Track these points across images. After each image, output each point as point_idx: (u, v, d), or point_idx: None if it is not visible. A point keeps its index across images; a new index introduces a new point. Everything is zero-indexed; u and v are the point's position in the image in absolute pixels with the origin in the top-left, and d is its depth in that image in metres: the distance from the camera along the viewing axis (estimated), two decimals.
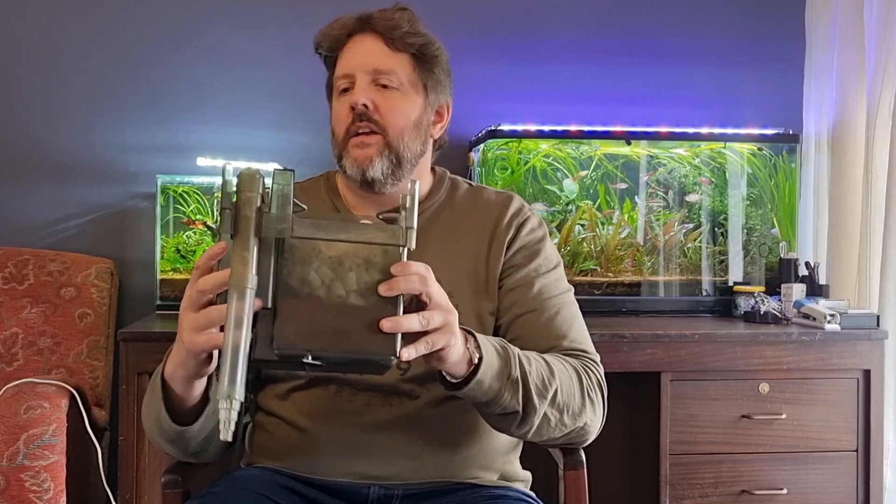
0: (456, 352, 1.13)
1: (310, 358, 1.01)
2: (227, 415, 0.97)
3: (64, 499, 1.94)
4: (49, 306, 2.41)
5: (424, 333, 1.06)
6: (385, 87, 1.38)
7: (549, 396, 1.26)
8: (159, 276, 2.41)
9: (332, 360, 1.03)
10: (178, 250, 2.44)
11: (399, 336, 1.03)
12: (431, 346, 1.07)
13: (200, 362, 1.10)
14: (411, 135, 1.40)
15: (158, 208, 2.44)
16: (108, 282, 2.47)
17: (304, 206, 1.05)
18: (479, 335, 1.20)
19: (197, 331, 1.04)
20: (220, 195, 1.02)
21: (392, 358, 1.03)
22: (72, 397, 2.03)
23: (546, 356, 1.31)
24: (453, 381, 1.19)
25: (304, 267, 1.02)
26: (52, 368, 2.35)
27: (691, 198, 2.57)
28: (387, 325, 1.03)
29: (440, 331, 1.08)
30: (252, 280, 0.98)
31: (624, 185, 2.56)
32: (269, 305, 1.01)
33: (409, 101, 1.40)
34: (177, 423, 1.22)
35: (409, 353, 1.05)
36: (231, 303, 0.98)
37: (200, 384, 1.17)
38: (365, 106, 1.36)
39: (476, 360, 1.17)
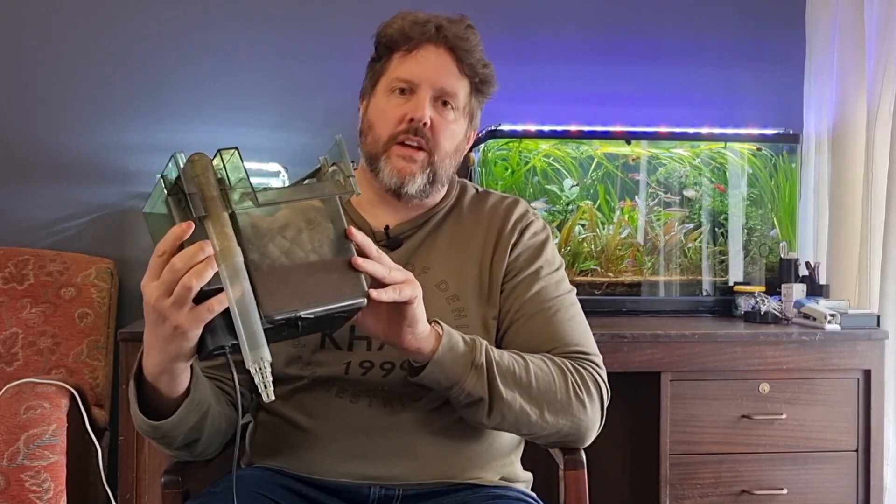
0: (422, 317, 1.19)
1: (301, 314, 1.05)
2: (261, 378, 1.03)
3: (64, 499, 1.94)
4: (49, 306, 2.41)
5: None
6: (443, 107, 1.38)
7: (522, 389, 1.28)
8: None
9: (316, 314, 1.07)
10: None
11: (362, 276, 1.10)
12: (399, 292, 1.14)
13: (190, 338, 1.08)
14: (451, 158, 1.41)
15: None
16: (108, 282, 2.47)
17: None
18: (445, 325, 1.25)
19: (182, 305, 1.03)
20: (167, 181, 1.04)
21: (363, 299, 1.10)
22: (72, 397, 2.03)
23: (526, 355, 1.32)
24: (417, 365, 1.24)
25: (260, 241, 1.06)
26: (52, 368, 2.35)
27: (689, 193, 2.57)
28: (358, 260, 1.11)
29: (405, 283, 1.15)
30: (239, 251, 1.02)
31: (640, 176, 2.56)
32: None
33: (459, 126, 1.41)
34: (156, 418, 1.20)
35: (378, 294, 1.12)
36: (226, 277, 1.01)
37: (185, 376, 1.16)
38: (423, 123, 1.35)
39: (440, 337, 1.23)
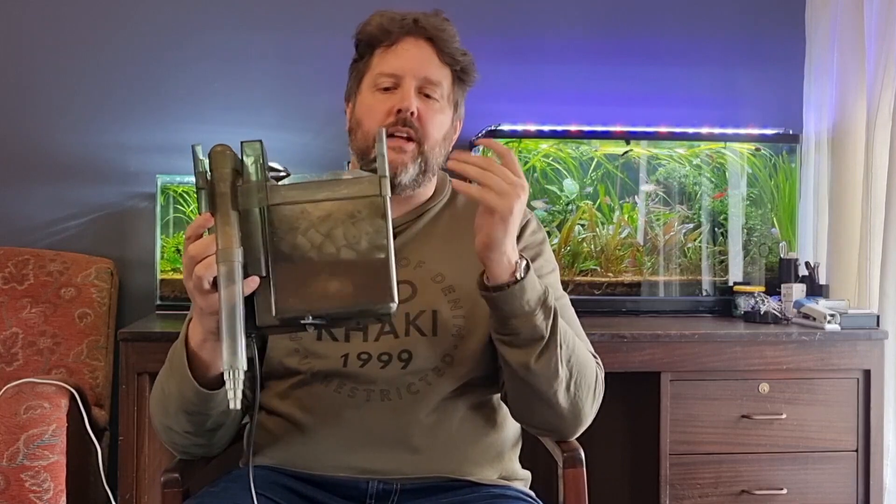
0: (515, 229, 1.22)
1: (310, 318, 1.04)
2: (232, 384, 1.02)
3: (64, 499, 1.94)
4: (49, 306, 2.41)
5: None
6: (428, 96, 1.40)
7: (568, 349, 1.30)
8: (159, 276, 2.42)
9: (332, 316, 1.06)
10: (178, 250, 2.44)
11: (394, 279, 1.05)
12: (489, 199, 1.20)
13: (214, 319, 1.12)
14: (440, 147, 1.43)
15: (158, 208, 2.44)
16: (108, 282, 2.47)
17: (285, 170, 1.08)
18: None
19: (199, 289, 1.08)
20: (196, 170, 1.05)
21: (391, 305, 1.05)
22: (72, 397, 2.03)
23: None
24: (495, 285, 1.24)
25: (292, 232, 1.04)
26: (52, 368, 2.35)
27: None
28: (451, 162, 1.19)
29: (505, 193, 1.19)
30: (237, 254, 1.02)
31: (652, 187, 2.56)
32: (264, 274, 1.04)
33: (445, 115, 1.43)
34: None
35: (469, 188, 1.21)
36: (221, 278, 1.01)
37: None
38: (411, 113, 1.37)
39: (525, 264, 1.25)
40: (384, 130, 1.10)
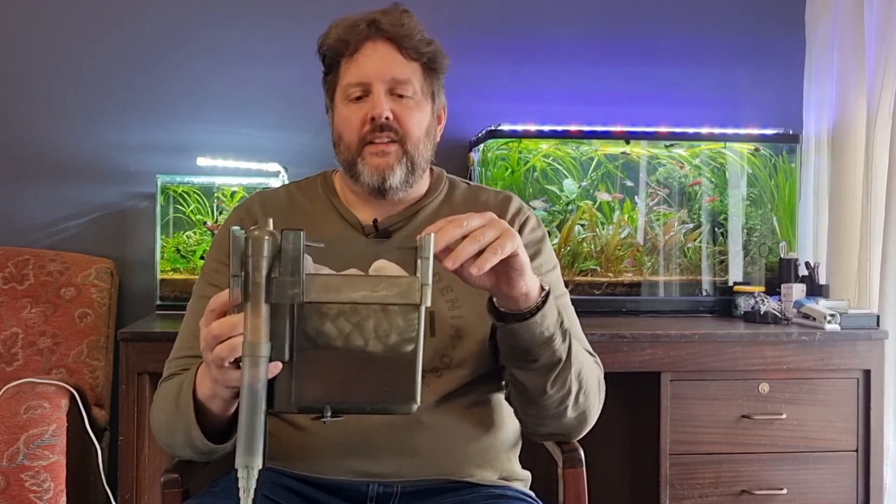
0: (527, 262, 1.14)
1: (329, 412, 1.01)
2: (245, 483, 0.97)
3: (64, 499, 1.94)
4: (49, 306, 2.41)
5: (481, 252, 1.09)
6: (401, 96, 1.39)
7: (578, 364, 1.29)
8: (159, 276, 2.42)
9: (351, 410, 1.03)
10: (178, 250, 2.44)
11: (419, 381, 1.01)
12: (500, 251, 1.08)
13: (228, 389, 1.12)
14: (424, 143, 1.42)
15: (158, 208, 2.44)
16: (108, 282, 2.47)
17: (321, 244, 1.03)
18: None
19: (218, 365, 1.05)
20: (231, 258, 0.99)
21: (413, 406, 1.02)
22: (72, 397, 2.03)
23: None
24: (513, 312, 1.19)
25: (320, 319, 1.00)
26: (52, 368, 2.35)
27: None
28: (449, 263, 1.05)
29: (501, 238, 1.09)
30: (265, 349, 0.97)
31: (608, 196, 2.54)
32: (287, 359, 1.00)
33: (422, 110, 1.42)
34: (211, 440, 1.23)
35: (480, 265, 1.06)
36: (245, 372, 0.97)
37: (235, 401, 1.17)
38: (386, 118, 1.37)
39: (546, 287, 1.20)
40: (432, 237, 1.02)
